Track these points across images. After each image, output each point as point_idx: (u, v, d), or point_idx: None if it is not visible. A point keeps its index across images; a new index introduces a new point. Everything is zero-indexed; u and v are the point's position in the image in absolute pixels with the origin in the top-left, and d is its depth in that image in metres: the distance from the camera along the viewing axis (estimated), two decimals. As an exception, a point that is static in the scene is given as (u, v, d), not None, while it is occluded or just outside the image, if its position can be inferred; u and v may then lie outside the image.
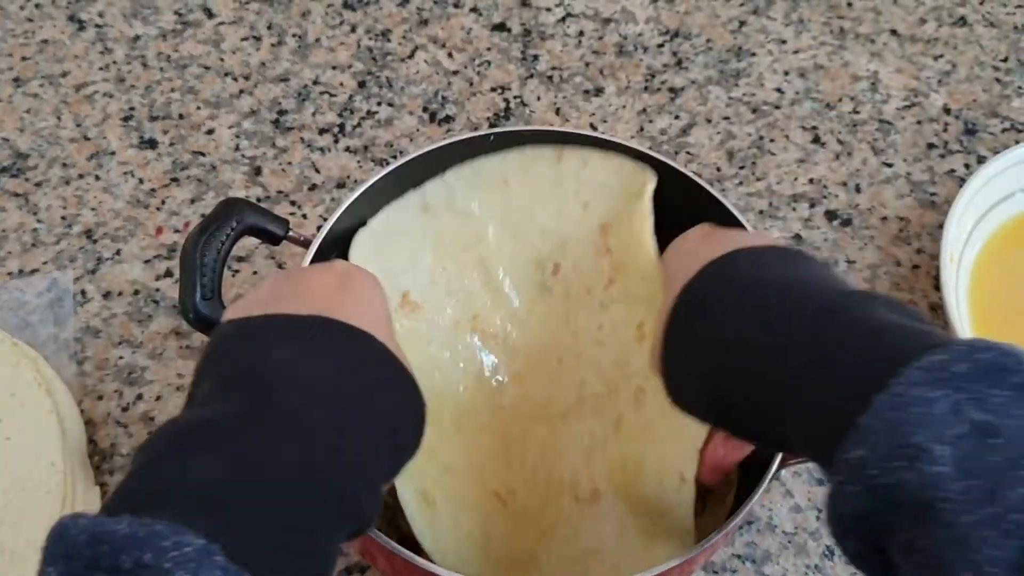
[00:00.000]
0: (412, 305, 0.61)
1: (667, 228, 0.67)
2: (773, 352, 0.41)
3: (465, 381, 0.62)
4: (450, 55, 0.87)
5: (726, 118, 0.84)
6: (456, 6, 0.91)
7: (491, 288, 0.63)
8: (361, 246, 0.61)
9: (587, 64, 0.87)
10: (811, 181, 0.80)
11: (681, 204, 0.64)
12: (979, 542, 0.31)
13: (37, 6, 0.89)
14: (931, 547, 0.32)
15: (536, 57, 0.87)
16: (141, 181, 0.78)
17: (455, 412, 0.61)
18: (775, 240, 0.49)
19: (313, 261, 0.58)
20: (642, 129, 0.83)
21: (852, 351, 0.37)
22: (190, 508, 0.34)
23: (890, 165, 0.81)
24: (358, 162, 0.80)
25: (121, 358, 0.69)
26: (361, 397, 0.42)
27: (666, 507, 0.58)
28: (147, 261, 0.74)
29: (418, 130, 0.82)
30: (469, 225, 0.63)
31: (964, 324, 0.68)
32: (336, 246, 0.61)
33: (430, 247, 0.62)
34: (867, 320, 0.38)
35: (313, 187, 0.78)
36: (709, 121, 0.84)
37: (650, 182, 0.61)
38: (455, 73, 0.86)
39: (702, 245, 0.49)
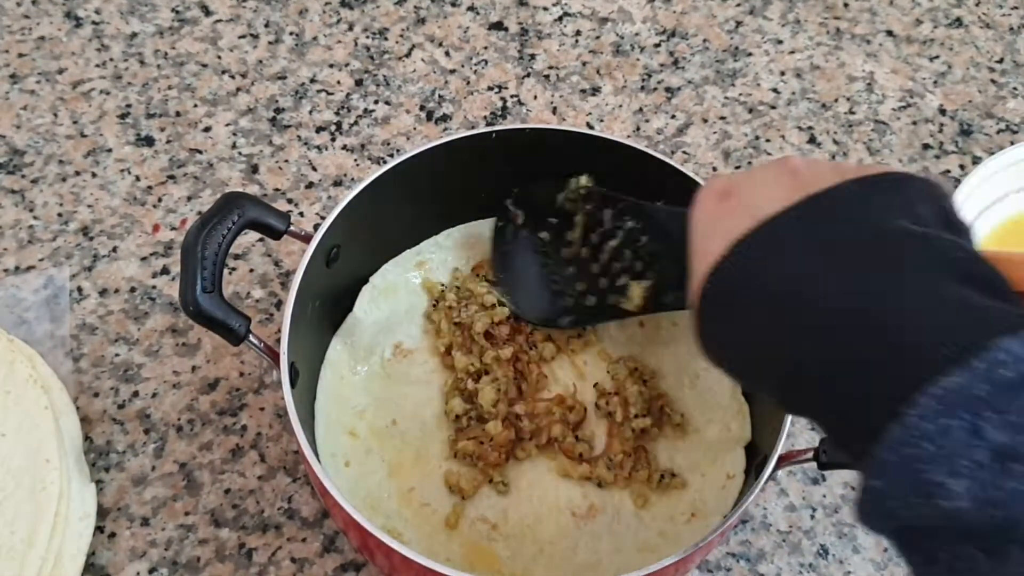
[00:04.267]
0: (404, 352, 0.67)
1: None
2: (802, 356, 0.38)
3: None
4: (447, 54, 0.88)
5: (722, 118, 0.84)
6: (453, 5, 0.91)
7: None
8: (364, 301, 0.66)
9: (584, 63, 0.87)
10: (807, 181, 0.80)
11: (679, 204, 0.64)
12: (1014, 564, 0.31)
13: (34, 2, 0.89)
14: (966, 561, 0.32)
15: (533, 56, 0.88)
16: (138, 178, 0.78)
17: (443, 444, 0.64)
18: (798, 190, 0.41)
19: (312, 259, 0.58)
20: (638, 128, 0.83)
21: (877, 361, 0.35)
22: None
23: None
24: (355, 160, 0.80)
25: (117, 355, 0.69)
26: None
27: (676, 522, 0.61)
28: (143, 258, 0.74)
29: (415, 128, 0.82)
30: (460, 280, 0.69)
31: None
32: (335, 244, 0.61)
33: (426, 300, 0.69)
34: (909, 312, 0.35)
35: (310, 185, 0.78)
36: (705, 121, 0.84)
37: None
38: (452, 72, 0.86)
39: (721, 214, 0.43)
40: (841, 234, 0.39)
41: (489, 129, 0.65)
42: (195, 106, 0.83)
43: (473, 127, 0.82)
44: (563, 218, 0.66)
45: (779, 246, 0.39)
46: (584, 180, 0.64)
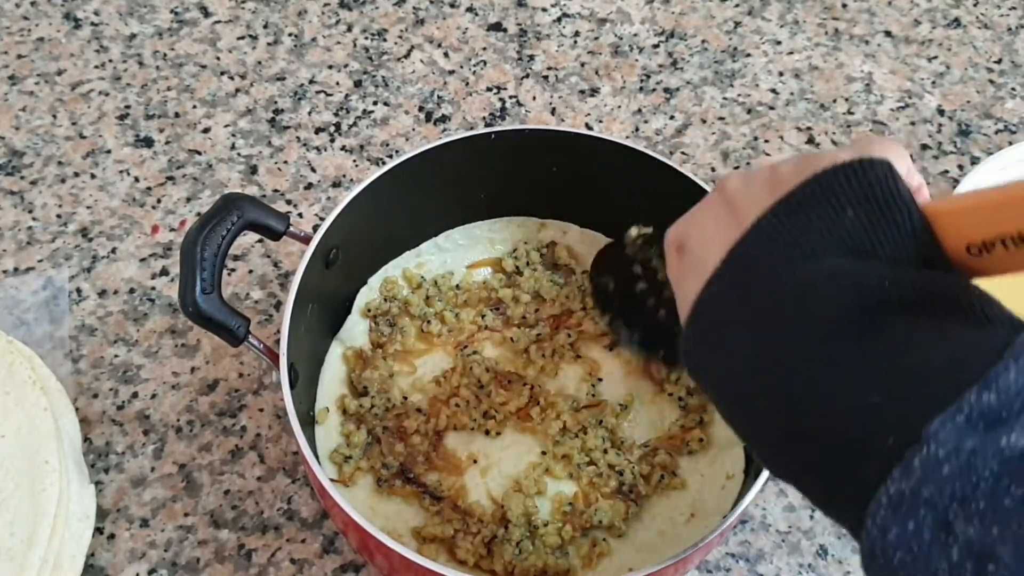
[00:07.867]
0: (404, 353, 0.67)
1: (663, 230, 0.67)
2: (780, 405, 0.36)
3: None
4: (446, 55, 0.88)
5: (721, 119, 0.84)
6: (452, 6, 0.91)
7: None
8: (363, 302, 0.67)
9: (583, 64, 0.87)
10: (806, 182, 0.80)
11: (678, 205, 0.64)
12: None
13: (33, 4, 0.89)
14: None
15: (532, 57, 0.88)
16: (137, 179, 0.78)
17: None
18: (733, 228, 0.39)
19: (312, 260, 0.58)
20: (637, 129, 0.83)
21: (827, 464, 0.33)
22: None
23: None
24: (354, 161, 0.80)
25: (116, 356, 0.69)
26: None
27: (676, 526, 0.61)
28: (143, 259, 0.74)
29: (414, 130, 0.82)
30: (457, 280, 0.70)
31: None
32: (334, 246, 0.61)
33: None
34: (839, 409, 0.33)
35: (309, 186, 0.78)
36: (704, 122, 0.84)
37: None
38: (451, 73, 0.86)
39: (681, 273, 0.42)
40: (755, 304, 0.37)
41: (488, 130, 0.65)
42: (194, 107, 0.83)
43: (472, 128, 0.83)
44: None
45: (715, 324, 0.39)
46: (635, 231, 0.60)
